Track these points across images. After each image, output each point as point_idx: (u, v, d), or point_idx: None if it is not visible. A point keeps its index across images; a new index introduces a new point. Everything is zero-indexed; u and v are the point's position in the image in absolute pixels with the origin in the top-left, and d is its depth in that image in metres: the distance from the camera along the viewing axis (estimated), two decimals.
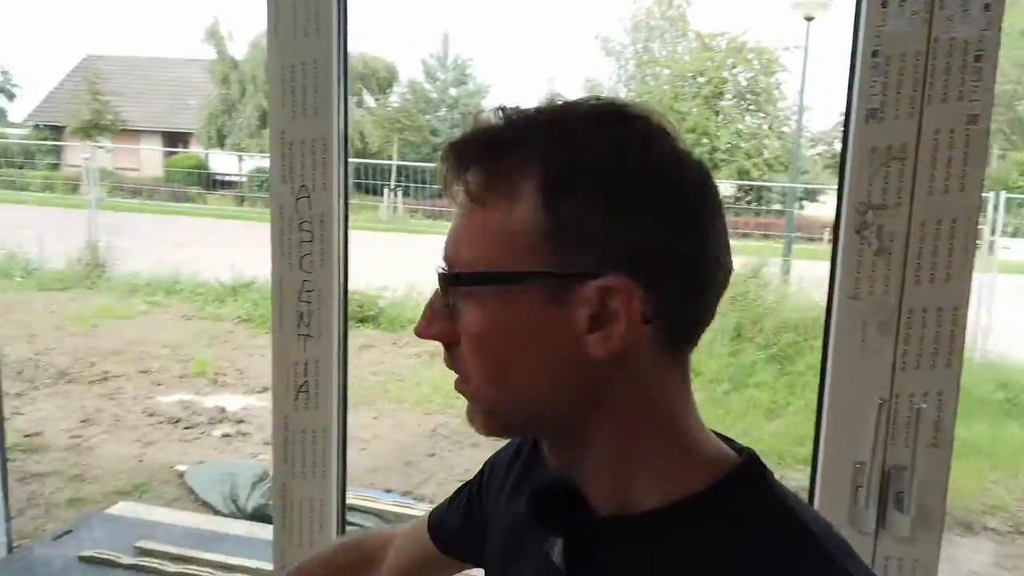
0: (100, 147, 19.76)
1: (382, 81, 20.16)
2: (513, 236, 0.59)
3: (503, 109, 0.62)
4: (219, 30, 19.74)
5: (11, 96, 26.15)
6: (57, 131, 21.83)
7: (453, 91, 21.64)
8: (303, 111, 1.85)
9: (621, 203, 0.58)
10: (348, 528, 2.07)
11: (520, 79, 23.86)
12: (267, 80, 1.86)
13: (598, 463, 0.65)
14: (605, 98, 0.64)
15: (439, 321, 0.64)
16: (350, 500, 2.32)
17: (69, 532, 3.53)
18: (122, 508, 3.80)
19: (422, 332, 0.65)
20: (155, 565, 3.25)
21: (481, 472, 0.91)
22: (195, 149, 21.32)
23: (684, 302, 0.61)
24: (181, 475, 4.41)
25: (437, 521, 0.94)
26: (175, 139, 22.16)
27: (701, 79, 16.49)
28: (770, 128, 16.40)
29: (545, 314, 0.59)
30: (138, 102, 21.14)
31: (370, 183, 14.35)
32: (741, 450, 0.67)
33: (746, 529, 0.60)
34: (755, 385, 6.21)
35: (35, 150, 20.78)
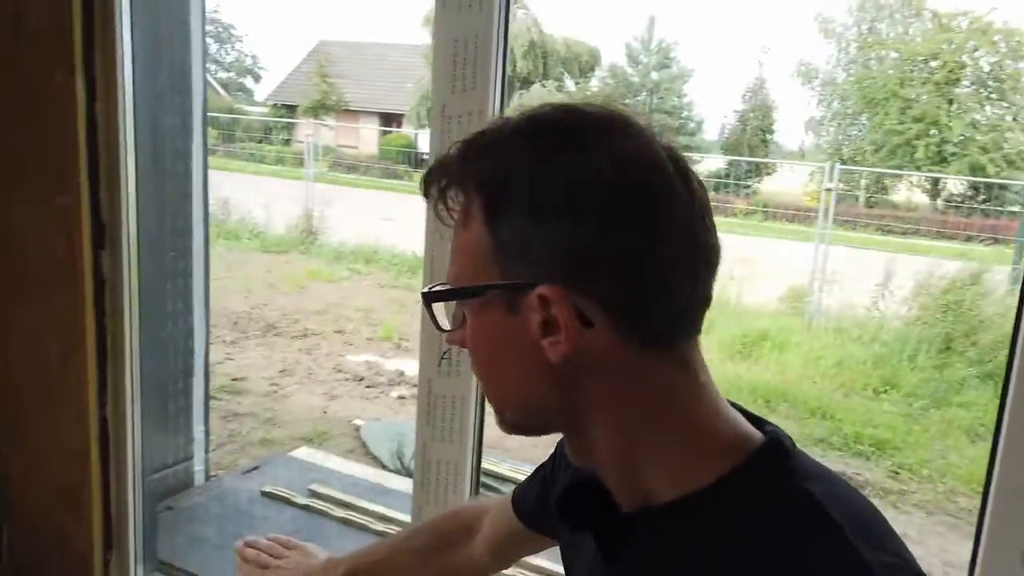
0: (324, 125, 21.65)
1: (584, 65, 20.23)
2: (473, 254, 0.64)
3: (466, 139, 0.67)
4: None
5: (257, 78, 29.34)
6: (291, 110, 24.03)
7: (655, 75, 21.22)
8: (462, 86, 1.88)
9: (546, 213, 0.60)
10: (481, 491, 2.12)
11: (727, 62, 22.84)
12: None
13: (607, 460, 0.67)
14: (544, 105, 0.65)
15: (457, 329, 0.70)
16: (486, 466, 2.37)
17: (256, 468, 3.93)
18: (303, 453, 4.17)
19: (448, 337, 0.71)
20: (324, 508, 3.52)
21: (554, 455, 0.91)
22: (406, 129, 22.63)
23: (642, 298, 0.61)
24: (357, 429, 4.74)
25: (520, 497, 0.97)
26: (390, 119, 23.63)
27: (934, 63, 14.85)
28: (1014, 120, 14.46)
29: (505, 323, 0.63)
30: (360, 84, 22.82)
31: None
32: (766, 432, 0.66)
33: (759, 518, 0.59)
34: (960, 404, 5.56)
35: (272, 126, 22.96)
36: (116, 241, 2.46)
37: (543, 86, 19.99)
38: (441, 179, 0.66)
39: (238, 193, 11.12)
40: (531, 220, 0.60)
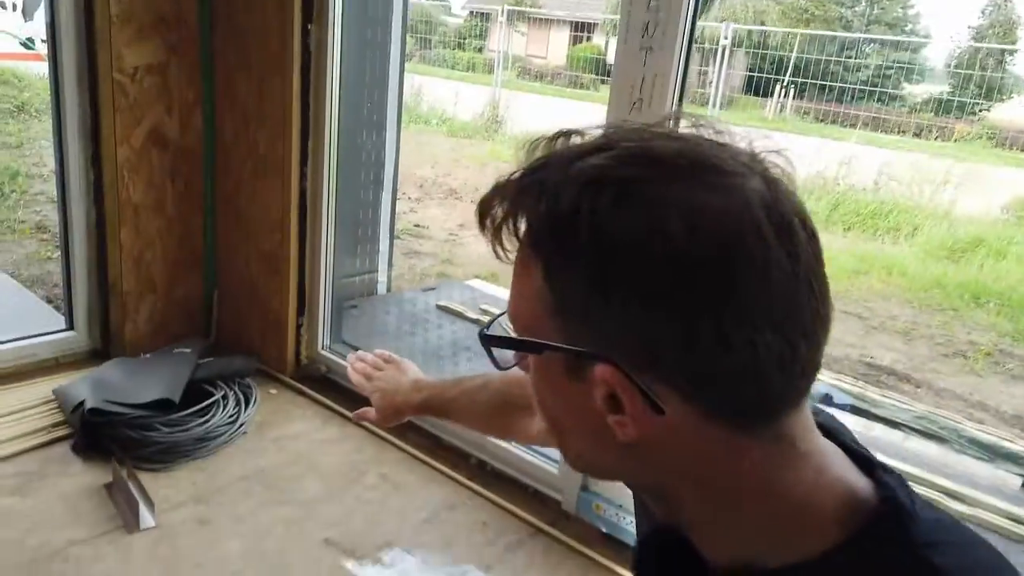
0: (518, 31, 21.66)
1: None
2: (532, 304, 0.55)
3: (549, 140, 0.57)
4: None
5: None
6: (485, 18, 24.20)
7: None
8: None
9: (609, 285, 0.51)
10: None
11: None
12: None
13: (695, 524, 0.59)
14: (613, 139, 0.54)
15: (511, 364, 0.63)
16: None
17: (433, 289, 4.12)
18: (477, 283, 4.31)
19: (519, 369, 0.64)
20: None
21: None
22: (597, 40, 22.14)
23: (723, 384, 0.51)
24: None
25: None
26: (581, 30, 23.20)
27: None
28: None
29: (569, 387, 0.56)
30: None
31: (763, 77, 13.57)
32: (884, 495, 0.56)
33: None
34: None
35: (466, 34, 23.24)
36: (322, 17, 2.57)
37: None
38: (495, 214, 0.56)
39: (430, 87, 11.47)
40: (592, 290, 0.52)
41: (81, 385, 2.49)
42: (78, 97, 2.61)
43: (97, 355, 2.89)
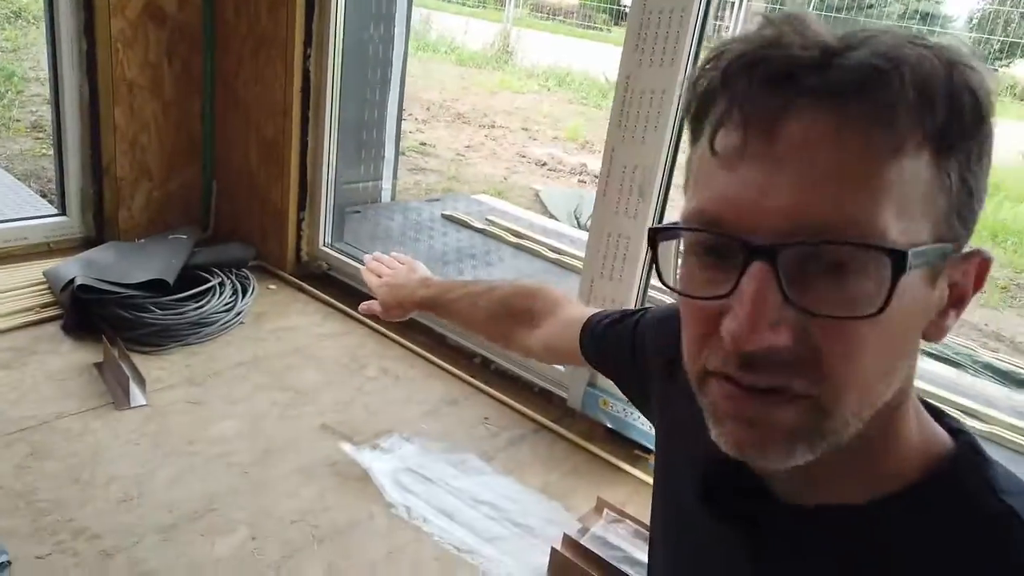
0: None
1: None
2: (907, 199, 0.46)
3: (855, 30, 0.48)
4: None
5: None
6: None
7: None
8: None
9: (985, 161, 0.49)
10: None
11: None
12: None
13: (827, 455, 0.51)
14: (894, 32, 0.48)
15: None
16: None
17: (438, 199, 4.00)
18: (483, 197, 4.19)
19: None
20: (499, 234, 3.52)
21: (636, 342, 0.82)
22: None
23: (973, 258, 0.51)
24: (536, 193, 4.70)
25: (590, 331, 0.89)
26: None
27: None
28: None
29: (923, 296, 0.49)
30: None
31: None
32: (956, 432, 0.56)
33: (955, 530, 0.51)
34: None
35: None
36: None
37: None
38: (876, 69, 0.45)
39: (440, 19, 11.14)
40: (984, 165, 0.48)
41: (72, 265, 2.40)
42: None
43: (91, 243, 2.79)
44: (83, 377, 2.07)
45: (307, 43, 2.58)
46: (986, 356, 3.13)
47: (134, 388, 2.01)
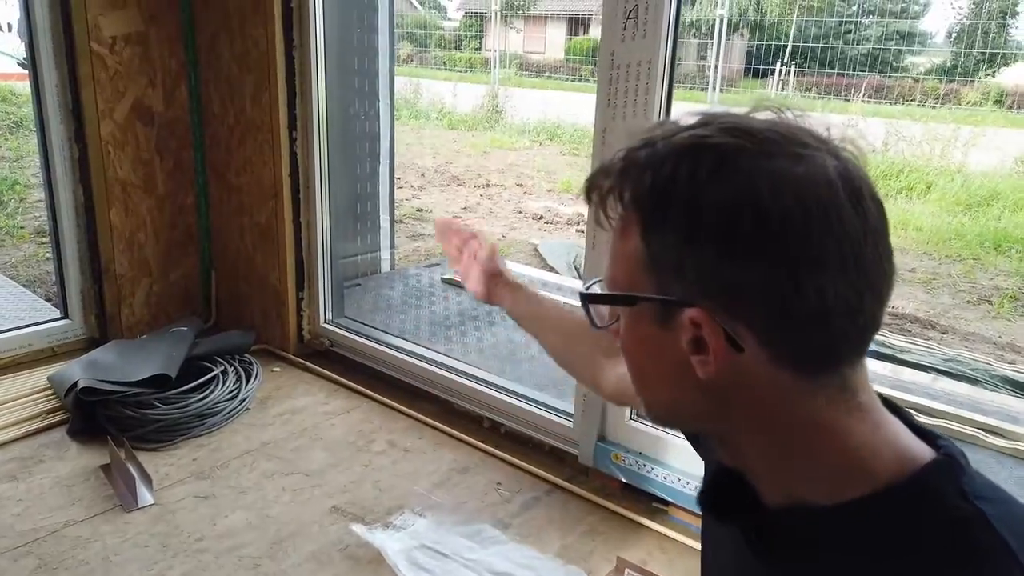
0: (513, 28, 21.54)
1: None
2: (629, 263, 0.63)
3: (650, 128, 0.63)
4: None
5: None
6: (480, 18, 24.18)
7: None
8: None
9: (700, 238, 0.58)
10: None
11: None
12: None
13: (756, 464, 0.65)
14: (710, 118, 0.61)
15: (612, 325, 0.70)
16: None
17: (437, 264, 4.01)
18: None
19: (610, 330, 0.71)
20: None
21: None
22: (594, 33, 22.03)
23: (796, 328, 0.57)
24: (535, 247, 4.72)
25: None
26: (577, 24, 23.12)
27: None
28: None
29: (657, 335, 0.62)
30: None
31: (763, 56, 13.41)
32: (940, 446, 0.61)
33: (923, 532, 0.56)
34: None
35: (463, 36, 23.22)
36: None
37: None
38: (602, 186, 0.64)
39: (430, 87, 11.42)
40: (685, 242, 0.58)
41: (74, 367, 2.41)
42: (56, 70, 2.52)
43: (94, 343, 2.80)
44: (90, 481, 2.06)
45: (292, 127, 2.63)
46: (1003, 369, 3.08)
47: (141, 488, 1.99)
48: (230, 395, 2.39)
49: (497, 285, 1.22)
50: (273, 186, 2.67)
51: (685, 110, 0.66)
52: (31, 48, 2.51)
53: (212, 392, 2.36)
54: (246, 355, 2.63)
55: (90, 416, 2.23)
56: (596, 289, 0.70)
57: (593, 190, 0.65)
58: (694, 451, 0.95)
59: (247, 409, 2.43)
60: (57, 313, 2.92)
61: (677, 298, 0.60)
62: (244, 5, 2.55)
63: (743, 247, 0.56)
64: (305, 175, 2.68)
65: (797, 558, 0.62)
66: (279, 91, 2.55)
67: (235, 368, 2.52)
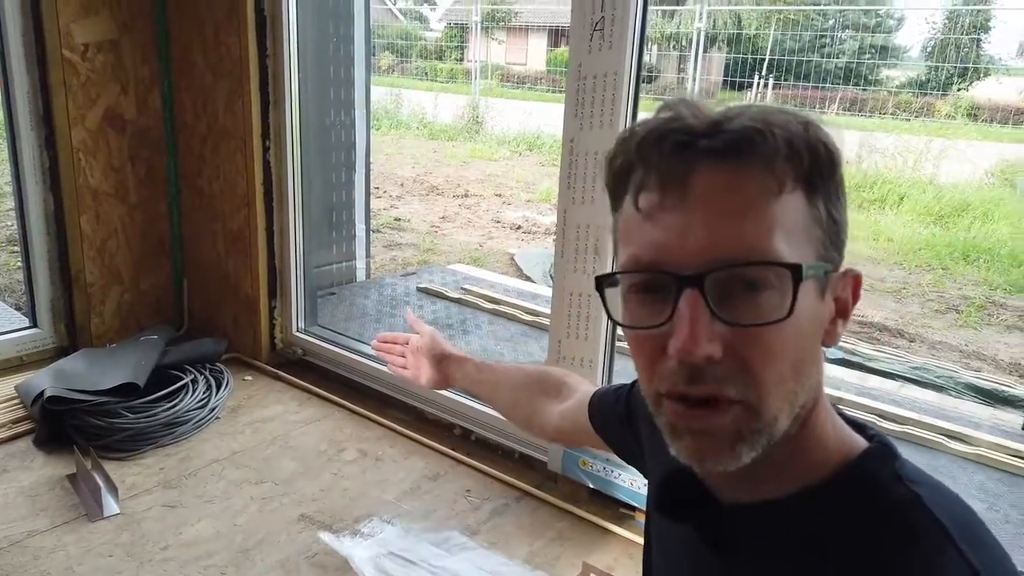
0: (495, 40, 21.67)
1: None
2: (791, 227, 0.57)
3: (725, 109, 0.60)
4: None
5: (433, 4, 29.84)
6: (463, 29, 24.26)
7: None
8: None
9: (844, 197, 0.61)
10: None
11: None
12: None
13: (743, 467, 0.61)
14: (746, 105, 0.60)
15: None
16: None
17: (413, 273, 4.02)
18: (458, 266, 4.22)
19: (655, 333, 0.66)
20: (474, 301, 3.53)
21: (630, 407, 0.92)
22: None
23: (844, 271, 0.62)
24: (512, 256, 4.74)
25: (596, 403, 0.99)
26: (559, 35, 23.27)
27: None
28: None
29: (817, 308, 0.60)
30: (530, 1, 22.56)
31: (741, 68, 13.57)
32: (872, 436, 0.64)
33: (868, 516, 0.58)
34: None
35: (445, 47, 23.29)
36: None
37: None
38: (753, 131, 0.57)
39: (412, 97, 11.46)
40: (843, 202, 0.60)
41: (42, 377, 2.38)
42: (27, 76, 2.51)
43: (64, 352, 2.78)
44: (55, 491, 2.04)
45: (265, 135, 2.63)
46: (968, 376, 3.13)
47: (107, 497, 1.98)
48: (200, 404, 2.38)
49: (448, 366, 1.26)
50: (246, 194, 2.67)
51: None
52: (1, 55, 2.50)
53: (181, 401, 2.35)
54: (217, 364, 2.62)
55: (57, 425, 2.21)
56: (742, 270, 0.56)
57: (754, 147, 0.56)
58: (621, 455, 0.97)
59: (217, 418, 2.42)
60: (26, 322, 2.89)
61: (837, 257, 0.60)
62: (218, 14, 2.56)
63: (846, 200, 0.61)
64: (278, 183, 2.69)
65: (753, 551, 0.64)
66: (252, 99, 2.56)
67: (205, 377, 2.51)
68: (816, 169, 0.57)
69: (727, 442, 0.58)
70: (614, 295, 0.63)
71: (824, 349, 0.62)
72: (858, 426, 0.66)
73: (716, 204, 0.55)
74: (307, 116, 2.71)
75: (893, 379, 3.03)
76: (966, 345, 3.78)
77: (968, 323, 4.11)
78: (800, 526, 0.61)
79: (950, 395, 2.92)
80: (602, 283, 0.63)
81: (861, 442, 0.64)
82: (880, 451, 0.63)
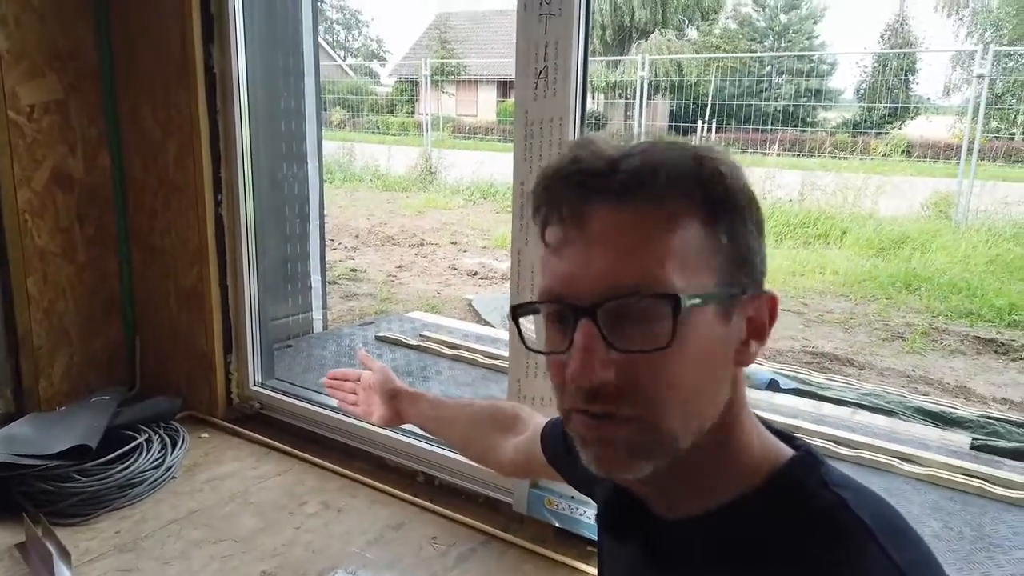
0: (445, 93, 22.02)
1: (706, 10, 19.42)
2: (690, 255, 0.61)
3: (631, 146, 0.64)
4: None
5: (383, 60, 30.29)
6: (413, 83, 24.62)
7: (783, 17, 20.11)
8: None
9: (758, 227, 0.64)
10: None
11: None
12: None
13: (662, 476, 0.64)
14: (663, 136, 0.65)
15: (656, 348, 0.65)
16: None
17: (371, 323, 4.01)
18: (416, 314, 4.22)
19: (625, 359, 0.67)
20: (434, 347, 3.54)
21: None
22: None
23: (758, 301, 0.65)
24: (469, 302, 4.76)
25: (547, 434, 1.02)
26: (508, 87, 23.74)
27: None
28: None
29: (720, 331, 0.63)
30: (479, 54, 23.05)
31: (685, 114, 14.01)
32: (798, 446, 0.68)
33: (798, 520, 0.62)
34: None
35: (396, 102, 23.55)
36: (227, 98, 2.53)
37: (662, 34, 19.40)
38: (645, 171, 0.61)
39: (364, 151, 11.56)
40: (752, 231, 0.63)
41: None
42: None
43: (11, 418, 2.68)
44: (4, 561, 1.97)
45: (216, 190, 2.64)
46: (917, 400, 3.23)
47: (59, 565, 1.91)
48: (154, 464, 2.33)
49: (400, 403, 1.25)
50: (199, 249, 2.66)
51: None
52: None
53: (135, 461, 2.29)
54: (172, 422, 2.57)
55: (4, 493, 2.14)
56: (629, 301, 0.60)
57: (629, 171, 0.60)
58: (573, 484, 0.98)
59: (173, 477, 2.37)
60: None
61: (744, 283, 0.62)
62: (167, 73, 2.58)
63: (761, 228, 0.64)
64: (231, 237, 2.68)
65: (691, 563, 0.66)
66: (203, 155, 2.57)
67: (160, 436, 2.46)
68: (711, 201, 0.60)
69: (625, 453, 0.61)
70: (531, 322, 0.69)
71: (745, 368, 0.66)
72: (786, 437, 0.69)
73: (612, 240, 0.59)
74: (259, 170, 2.72)
75: (846, 406, 3.11)
76: (913, 370, 3.89)
77: (914, 349, 4.25)
78: (733, 535, 0.64)
79: (901, 419, 3.00)
80: (516, 311, 0.67)
81: (788, 452, 0.67)
82: (806, 459, 0.66)
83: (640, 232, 0.59)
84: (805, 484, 0.64)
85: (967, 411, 3.13)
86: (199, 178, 2.59)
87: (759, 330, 0.65)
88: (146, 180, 2.75)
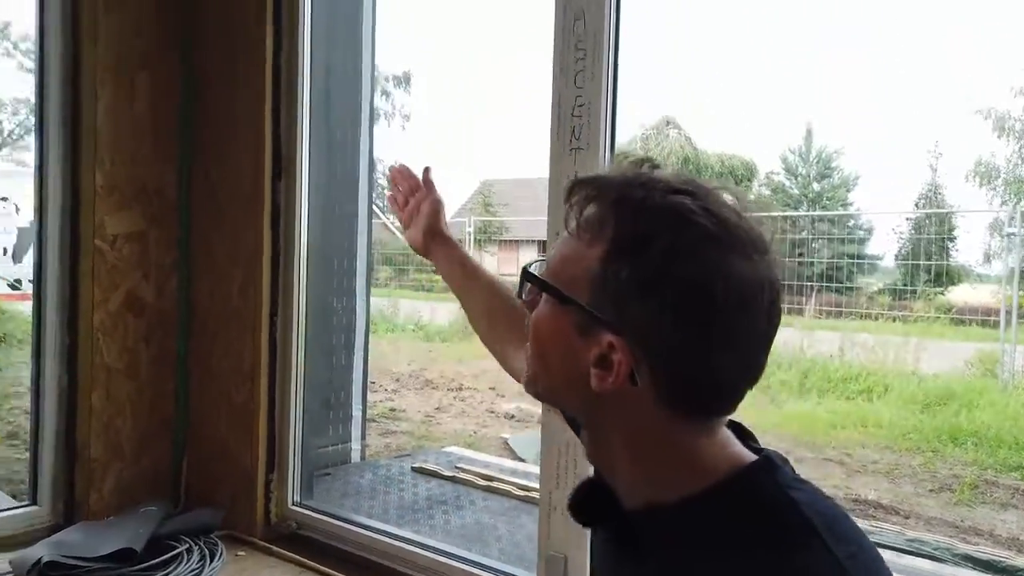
0: (488, 252, 22.90)
1: (739, 178, 20.23)
2: (577, 267, 0.74)
3: (639, 162, 0.77)
4: None
5: None
6: (458, 242, 25.46)
7: (816, 185, 20.82)
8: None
9: (655, 293, 0.69)
10: None
11: (896, 163, 21.90)
12: None
13: (614, 466, 0.78)
14: (695, 188, 0.73)
15: (528, 297, 0.82)
16: None
17: (408, 455, 4.07)
18: (452, 448, 4.26)
19: (525, 303, 0.84)
20: (468, 479, 3.56)
21: None
22: None
23: (690, 390, 0.72)
24: (505, 440, 4.78)
25: None
26: (547, 248, 24.46)
27: None
28: None
29: (571, 337, 0.74)
30: (521, 215, 24.13)
31: None
32: (761, 455, 0.77)
33: (749, 516, 0.70)
34: None
35: None
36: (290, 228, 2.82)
37: None
38: (589, 198, 0.74)
39: (408, 305, 12.04)
40: (639, 288, 0.68)
41: (38, 548, 2.39)
42: (59, 264, 2.76)
43: (58, 529, 2.77)
44: None
45: (273, 315, 2.84)
46: (965, 548, 3.11)
47: None
48: (193, 573, 2.37)
49: (435, 241, 1.33)
50: (252, 368, 2.82)
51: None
52: (39, 248, 2.76)
53: (175, 568, 2.34)
54: (211, 536, 2.62)
55: None
56: (538, 270, 0.80)
57: (578, 194, 0.74)
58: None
59: None
60: (24, 502, 2.91)
61: (608, 319, 0.70)
62: (237, 212, 2.86)
63: (683, 316, 0.67)
64: (283, 359, 2.85)
65: (655, 553, 0.74)
66: (263, 284, 2.79)
67: (200, 547, 2.51)
68: (618, 244, 0.71)
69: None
70: None
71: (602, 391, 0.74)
72: (759, 449, 0.77)
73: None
74: (312, 301, 2.93)
75: (890, 550, 3.01)
76: (962, 521, 3.76)
77: (962, 500, 4.12)
78: (687, 528, 0.71)
79: (948, 565, 2.89)
80: (527, 268, 0.84)
81: (750, 456, 0.75)
82: (764, 464, 0.74)
83: (571, 240, 0.76)
84: (762, 485, 0.71)
85: (1021, 561, 3.01)
86: (259, 305, 2.80)
87: (605, 368, 0.72)
88: (211, 306, 2.97)
